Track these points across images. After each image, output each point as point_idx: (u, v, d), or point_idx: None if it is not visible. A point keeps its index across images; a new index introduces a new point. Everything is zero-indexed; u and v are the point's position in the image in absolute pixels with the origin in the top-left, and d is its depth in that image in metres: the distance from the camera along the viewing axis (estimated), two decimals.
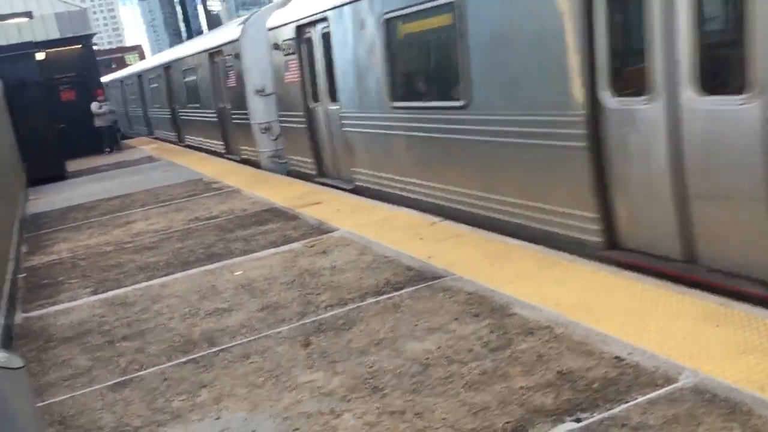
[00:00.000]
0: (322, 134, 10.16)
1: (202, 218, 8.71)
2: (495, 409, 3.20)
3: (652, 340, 3.59)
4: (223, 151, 15.33)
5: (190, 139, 18.88)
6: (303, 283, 5.51)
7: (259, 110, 12.28)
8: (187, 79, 17.50)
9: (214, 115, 15.31)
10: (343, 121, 9.19)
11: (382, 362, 3.89)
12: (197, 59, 16.02)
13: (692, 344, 3.48)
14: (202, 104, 16.26)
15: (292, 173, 11.32)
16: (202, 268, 6.42)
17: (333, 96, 9.39)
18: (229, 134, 14.80)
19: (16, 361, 1.57)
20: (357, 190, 9.08)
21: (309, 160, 10.64)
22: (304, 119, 10.45)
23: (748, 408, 2.87)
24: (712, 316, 3.76)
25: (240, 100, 12.94)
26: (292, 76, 10.59)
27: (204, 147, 16.96)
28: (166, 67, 19.94)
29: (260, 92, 12.10)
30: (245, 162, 13.48)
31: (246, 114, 12.77)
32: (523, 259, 5.22)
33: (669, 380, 3.18)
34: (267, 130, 12.21)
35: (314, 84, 10.04)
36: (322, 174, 10.40)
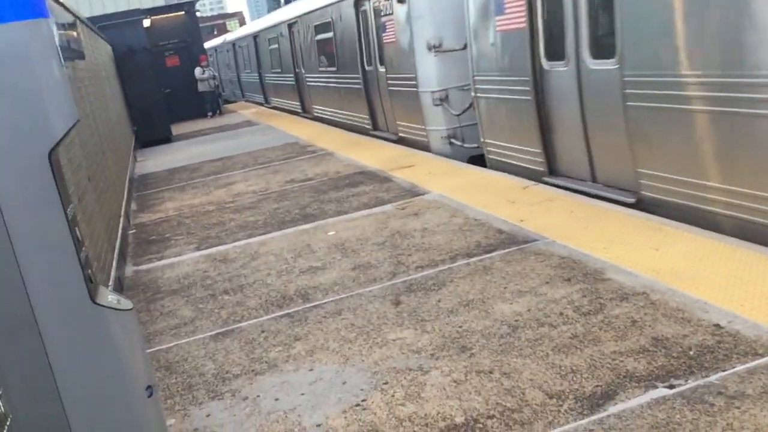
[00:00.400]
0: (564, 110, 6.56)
1: (298, 180, 8.94)
2: (584, 372, 3.18)
3: (754, 308, 3.44)
4: (369, 127, 12.23)
5: (319, 110, 15.86)
6: (394, 244, 5.59)
7: (432, 74, 9.24)
8: (320, 37, 14.32)
9: (358, 80, 12.16)
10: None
11: (471, 322, 3.91)
12: (335, 10, 12.75)
13: None
14: (341, 67, 13.13)
15: (492, 165, 7.92)
16: (298, 228, 6.62)
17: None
18: (379, 105, 11.60)
19: (126, 304, 1.71)
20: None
21: (535, 150, 6.94)
22: (528, 88, 6.74)
23: None
24: None
25: (402, 59, 9.91)
26: (509, 21, 7.00)
27: (342, 121, 13.82)
28: (290, 24, 16.66)
29: (436, 48, 9.00)
30: (401, 142, 10.52)
31: (412, 78, 9.62)
32: (619, 222, 5.07)
33: None
34: (442, 100, 9.16)
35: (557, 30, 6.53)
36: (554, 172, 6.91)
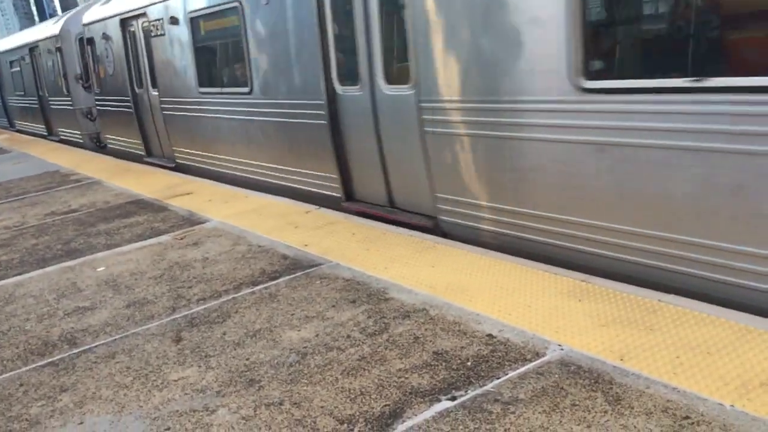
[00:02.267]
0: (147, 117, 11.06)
1: (60, 212, 8.13)
2: (373, 393, 3.20)
3: (520, 316, 3.73)
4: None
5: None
6: (173, 276, 5.27)
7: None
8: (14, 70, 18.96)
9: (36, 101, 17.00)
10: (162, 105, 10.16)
11: (259, 353, 3.79)
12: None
13: (558, 319, 3.65)
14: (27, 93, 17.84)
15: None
16: (61, 265, 5.99)
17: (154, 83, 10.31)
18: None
19: None
20: (178, 168, 10.12)
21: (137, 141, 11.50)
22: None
23: (609, 377, 3.04)
24: (575, 291, 3.96)
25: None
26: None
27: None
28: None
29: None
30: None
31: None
32: (397, 243, 5.27)
33: (537, 354, 3.32)
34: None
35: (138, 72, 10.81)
36: (150, 154, 11.32)
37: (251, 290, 4.74)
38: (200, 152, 9.46)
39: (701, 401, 2.76)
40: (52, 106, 16.39)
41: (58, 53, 14.60)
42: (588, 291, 3.94)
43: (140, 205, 7.93)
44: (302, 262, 5.18)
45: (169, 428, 3.18)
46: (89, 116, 14.05)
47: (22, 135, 19.79)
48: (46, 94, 16.69)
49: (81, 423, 3.35)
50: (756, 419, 2.60)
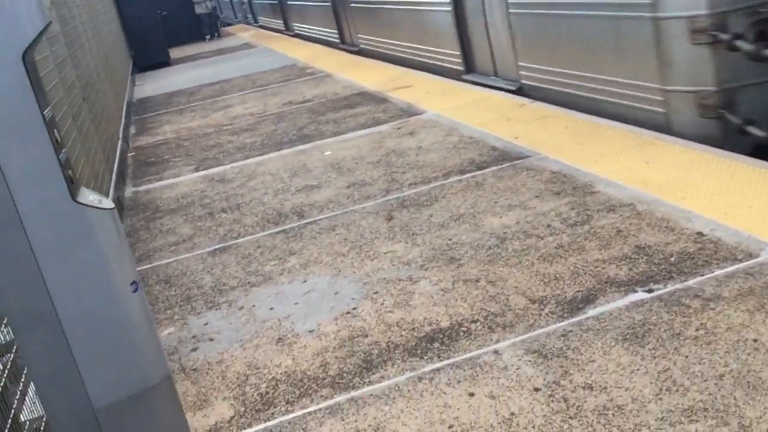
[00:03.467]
0: None
1: (296, 102, 8.89)
2: (567, 279, 3.27)
3: (738, 216, 3.50)
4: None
5: (298, 27, 17.15)
6: (389, 162, 5.62)
7: None
8: None
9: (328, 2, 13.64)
10: None
11: (461, 235, 3.99)
12: None
13: None
14: None
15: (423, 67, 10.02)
16: (295, 149, 6.65)
17: None
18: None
19: (108, 203, 1.77)
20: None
21: (455, 52, 9.17)
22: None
23: None
24: None
25: None
26: None
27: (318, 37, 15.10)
28: None
29: None
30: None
31: None
32: (612, 138, 5.08)
33: (750, 255, 3.12)
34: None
35: None
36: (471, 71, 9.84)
37: (459, 178, 4.93)
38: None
39: None
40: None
41: None
42: None
43: (364, 96, 8.40)
44: (511, 153, 5.23)
45: (377, 292, 3.54)
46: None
47: (265, 30, 21.45)
48: None
49: (305, 281, 3.85)
50: None
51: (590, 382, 2.51)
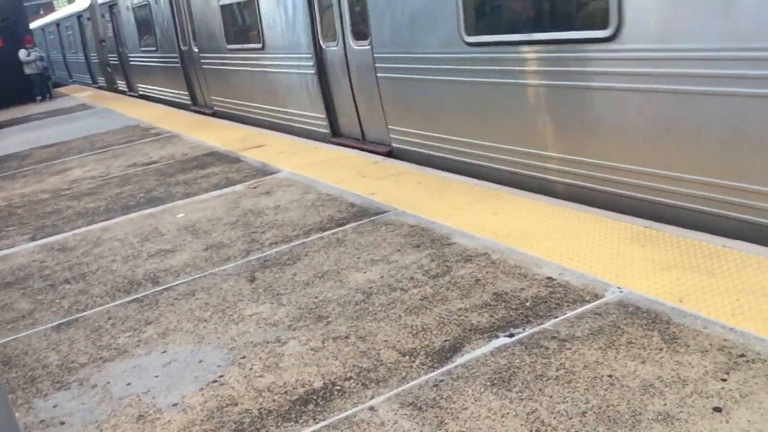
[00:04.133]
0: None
1: (141, 164, 8.56)
2: (434, 329, 3.35)
3: (582, 260, 3.78)
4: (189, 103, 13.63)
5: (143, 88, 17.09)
6: (247, 222, 5.53)
7: None
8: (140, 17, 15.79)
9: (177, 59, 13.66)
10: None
11: (327, 293, 3.98)
12: None
13: (619, 263, 3.68)
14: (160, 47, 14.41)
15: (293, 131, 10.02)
16: (144, 212, 6.36)
17: None
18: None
19: None
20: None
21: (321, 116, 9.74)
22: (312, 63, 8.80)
23: (667, 317, 3.08)
24: (639, 237, 3.97)
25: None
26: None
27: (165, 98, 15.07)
28: (111, 5, 17.15)
29: None
30: (216, 115, 12.00)
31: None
32: (462, 192, 5.35)
33: (596, 296, 3.38)
34: None
35: None
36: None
37: (320, 235, 4.94)
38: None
39: (759, 341, 2.78)
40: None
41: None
42: (651, 237, 3.94)
43: (216, 156, 8.25)
44: (369, 209, 5.34)
45: (244, 356, 3.42)
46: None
47: (105, 92, 20.64)
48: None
49: (164, 352, 3.64)
50: None
51: (465, 429, 2.57)
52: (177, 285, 4.49)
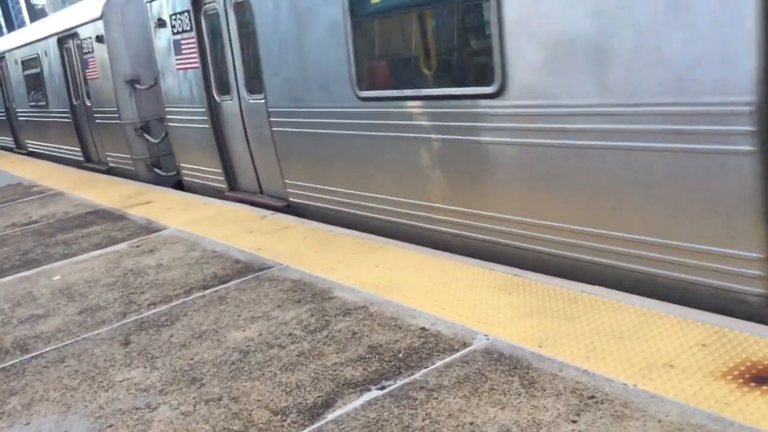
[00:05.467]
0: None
1: (20, 224, 8.18)
2: (308, 386, 3.36)
3: (453, 309, 3.91)
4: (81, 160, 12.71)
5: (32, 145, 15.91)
6: (126, 283, 5.38)
7: (131, 107, 10.27)
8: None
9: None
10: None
11: (203, 353, 3.92)
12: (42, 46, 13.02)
13: (487, 311, 3.83)
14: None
15: (187, 187, 9.22)
16: (18, 275, 6.06)
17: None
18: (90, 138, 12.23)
19: None
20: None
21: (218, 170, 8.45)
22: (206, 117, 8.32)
23: (527, 363, 3.23)
24: (507, 284, 4.15)
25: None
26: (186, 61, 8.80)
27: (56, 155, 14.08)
28: None
29: (135, 84, 9.99)
30: (111, 172, 11.28)
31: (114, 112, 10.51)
32: (346, 245, 5.43)
33: (464, 344, 3.50)
34: (143, 130, 10.16)
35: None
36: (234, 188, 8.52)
37: (201, 294, 4.87)
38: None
39: (608, 382, 2.95)
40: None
41: None
42: (517, 284, 4.13)
43: (100, 215, 8.00)
44: (254, 265, 5.32)
45: (111, 425, 3.30)
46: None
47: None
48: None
49: (28, 423, 3.46)
50: (654, 396, 2.80)
51: None
52: (47, 352, 4.29)
